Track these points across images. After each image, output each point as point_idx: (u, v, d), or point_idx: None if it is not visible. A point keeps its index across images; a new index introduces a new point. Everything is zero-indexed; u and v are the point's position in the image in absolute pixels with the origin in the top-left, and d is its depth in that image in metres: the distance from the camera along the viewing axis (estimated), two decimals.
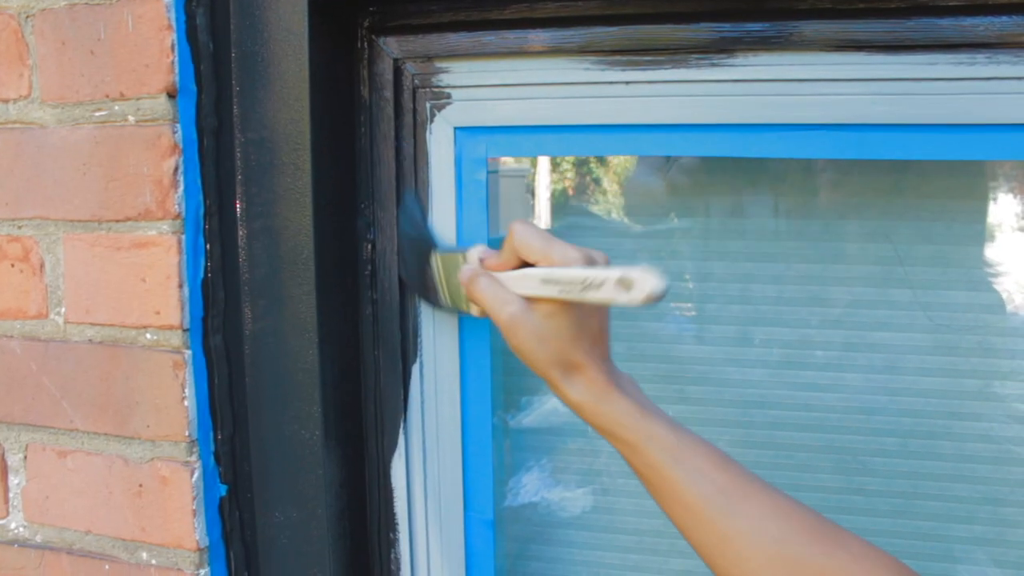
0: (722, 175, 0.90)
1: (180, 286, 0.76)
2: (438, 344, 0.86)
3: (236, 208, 0.79)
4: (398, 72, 0.82)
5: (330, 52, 0.78)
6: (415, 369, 0.86)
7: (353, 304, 0.85)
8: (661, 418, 0.62)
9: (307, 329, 0.79)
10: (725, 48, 0.76)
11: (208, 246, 0.77)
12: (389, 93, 0.82)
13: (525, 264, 0.66)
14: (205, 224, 0.77)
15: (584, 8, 0.75)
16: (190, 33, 0.74)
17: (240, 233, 0.79)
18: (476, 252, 0.71)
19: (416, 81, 0.82)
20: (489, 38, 0.79)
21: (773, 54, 0.76)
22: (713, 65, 0.76)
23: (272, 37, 0.75)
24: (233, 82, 0.77)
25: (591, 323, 0.64)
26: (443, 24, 0.79)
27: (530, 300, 0.64)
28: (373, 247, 0.84)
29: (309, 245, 0.77)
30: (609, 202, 0.91)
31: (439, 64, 0.81)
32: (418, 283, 0.79)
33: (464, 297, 0.73)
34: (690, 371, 0.92)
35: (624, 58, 0.78)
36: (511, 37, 0.79)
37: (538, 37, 0.78)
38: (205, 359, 0.78)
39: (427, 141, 0.83)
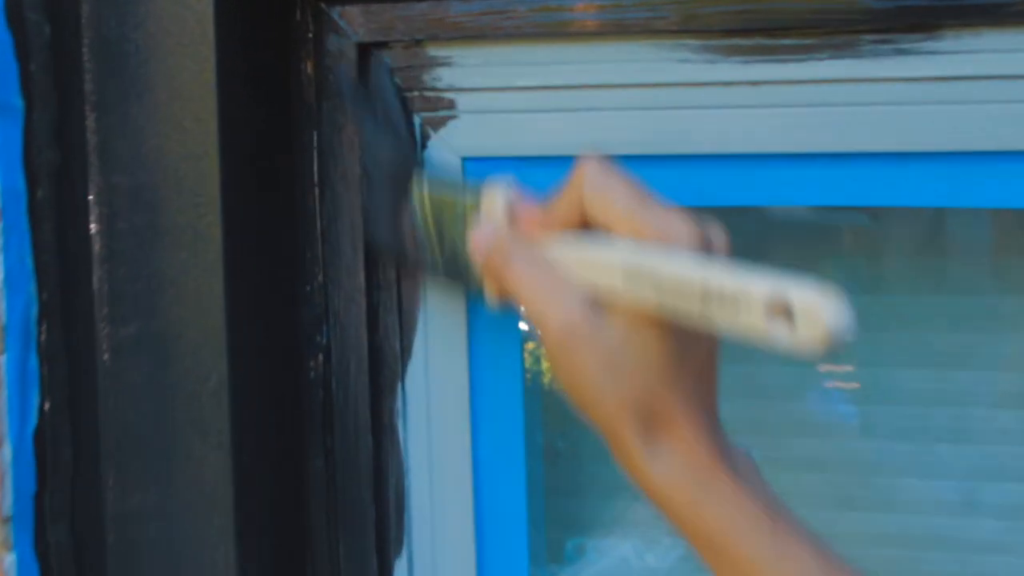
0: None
1: None
2: (441, 509, 0.79)
3: (93, 304, 0.72)
4: (365, 65, 0.75)
5: (250, 34, 0.71)
6: (400, 564, 0.79)
7: (294, 458, 0.78)
8: (800, 536, 0.58)
9: (216, 508, 0.71)
10: (922, 24, 0.68)
11: (45, 371, 0.70)
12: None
13: (591, 229, 0.61)
14: (40, 334, 0.70)
15: None
16: (10, 11, 0.67)
17: (101, 347, 0.72)
18: (501, 195, 0.65)
19: (397, 80, 0.75)
20: (519, 5, 0.72)
21: (1007, 32, 0.68)
22: (901, 52, 0.68)
23: (153, 12, 0.68)
24: (87, 89, 0.69)
25: (697, 351, 0.60)
26: None
27: (599, 297, 0.59)
28: (326, 359, 0.77)
29: (220, 365, 0.70)
30: None
31: (434, 52, 0.74)
32: (385, 236, 0.74)
33: (469, 269, 0.68)
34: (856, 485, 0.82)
35: (748, 42, 0.70)
36: (558, 10, 0.72)
37: (603, 8, 0.71)
38: (39, 565, 0.71)
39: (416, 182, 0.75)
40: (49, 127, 0.69)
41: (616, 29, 0.70)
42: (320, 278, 0.77)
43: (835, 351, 0.48)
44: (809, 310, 0.48)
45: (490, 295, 0.68)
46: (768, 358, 0.74)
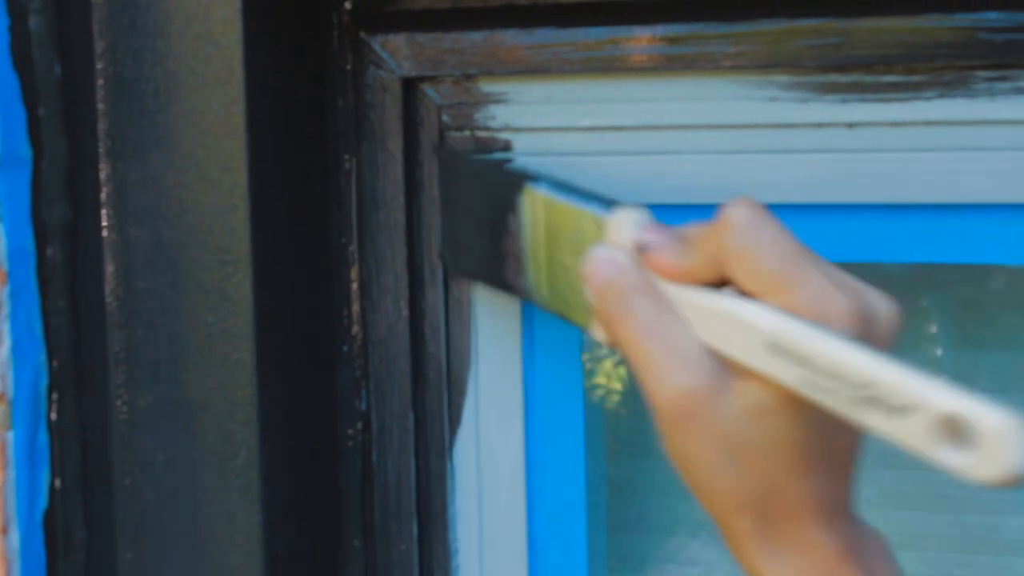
0: None
1: (3, 529, 0.69)
2: None
3: (108, 372, 0.71)
4: (411, 101, 0.75)
5: (282, 70, 0.71)
6: None
7: (329, 539, 0.78)
8: None
9: None
10: None
11: (56, 447, 0.71)
12: (395, 142, 0.75)
13: (728, 285, 0.57)
14: (50, 407, 0.70)
15: None
16: (16, 49, 0.68)
17: (117, 419, 0.71)
18: (630, 222, 0.62)
19: (446, 118, 0.75)
20: (584, 36, 0.71)
21: None
22: (1021, 92, 0.67)
23: (175, 48, 0.68)
24: (101, 135, 0.69)
25: (836, 441, 0.57)
26: (494, 9, 0.71)
27: (729, 364, 0.56)
28: (365, 427, 0.77)
29: (250, 440, 0.69)
30: None
31: (488, 87, 0.74)
32: (471, 251, 0.72)
33: (578, 302, 0.65)
34: None
35: (845, 79, 0.69)
36: (628, 41, 0.71)
37: (678, 40, 0.70)
38: None
39: None
40: (59, 178, 0.69)
41: (694, 63, 0.69)
42: (359, 338, 0.76)
43: (1013, 487, 0.46)
44: (993, 438, 0.46)
45: (598, 335, 0.64)
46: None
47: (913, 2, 0.66)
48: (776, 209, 0.70)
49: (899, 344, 0.79)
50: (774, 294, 0.54)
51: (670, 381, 0.56)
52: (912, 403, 0.48)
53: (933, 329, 0.89)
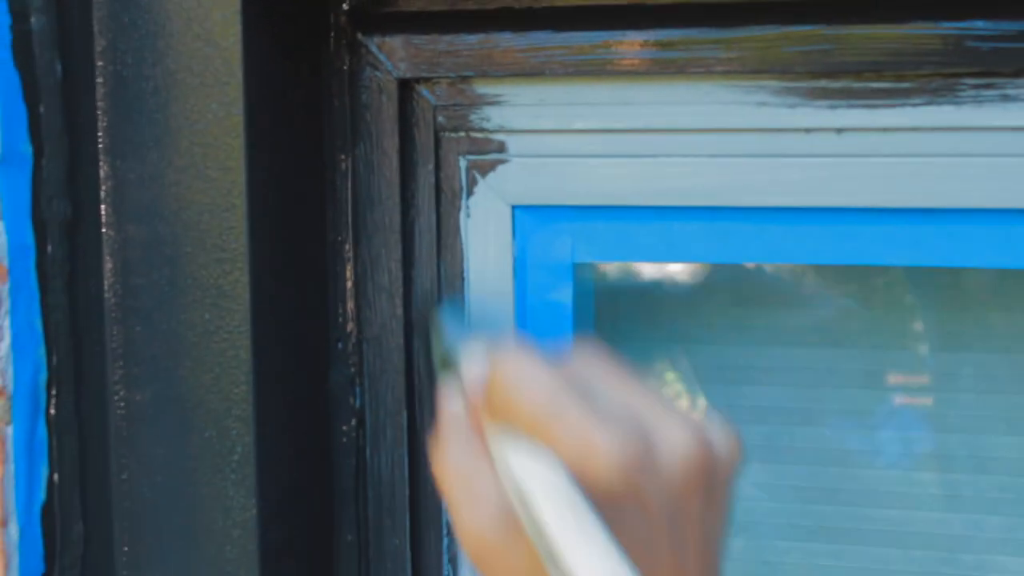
0: None
1: (2, 522, 0.68)
2: None
3: (107, 367, 0.70)
4: (407, 102, 0.74)
5: (280, 71, 0.70)
6: None
7: (323, 533, 0.78)
8: None
9: None
10: None
11: (54, 442, 0.70)
12: (391, 141, 0.74)
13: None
14: (49, 402, 0.70)
15: None
16: (18, 47, 0.67)
17: (115, 414, 0.70)
18: (475, 365, 0.59)
19: (441, 119, 0.74)
20: (579, 40, 0.71)
21: None
22: (1006, 99, 0.67)
23: (174, 48, 0.67)
24: (101, 135, 0.68)
25: (654, 550, 0.54)
26: (489, 12, 0.71)
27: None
28: (359, 423, 0.76)
29: (246, 436, 0.68)
30: None
31: (483, 89, 0.74)
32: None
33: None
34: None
35: (834, 85, 0.69)
36: (621, 45, 0.71)
37: (670, 45, 0.70)
38: None
39: (460, 229, 0.76)
40: (59, 175, 0.69)
41: (686, 68, 0.69)
42: (354, 335, 0.76)
43: None
44: None
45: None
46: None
47: (902, 10, 0.66)
48: (766, 212, 0.72)
49: (885, 345, 0.80)
50: (537, 433, 0.53)
51: (465, 525, 0.56)
52: (566, 570, 0.49)
53: (919, 328, 0.89)
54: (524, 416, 0.54)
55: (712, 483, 0.55)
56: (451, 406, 0.60)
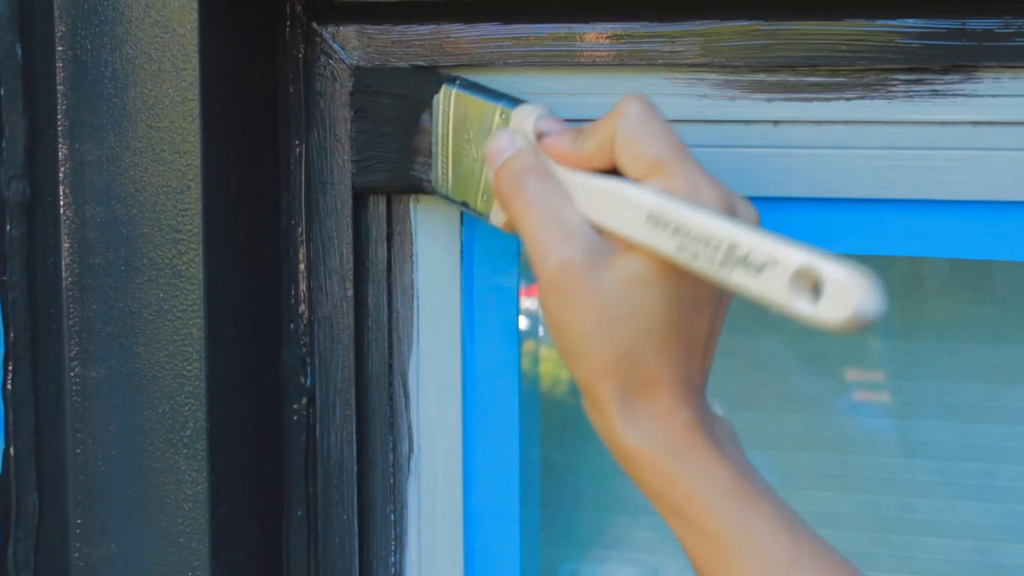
0: None
1: None
2: (431, 568, 0.78)
3: (63, 344, 0.70)
4: (360, 89, 0.73)
5: (236, 58, 0.70)
6: None
7: (274, 508, 0.77)
8: (772, 509, 0.58)
9: (190, 561, 0.70)
10: (960, 65, 0.67)
11: (10, 416, 0.68)
12: (344, 128, 0.73)
13: (618, 173, 0.59)
14: (5, 377, 0.68)
15: None
16: None
17: (70, 389, 0.70)
18: (532, 114, 0.63)
19: None
20: (526, 32, 0.71)
21: None
22: (935, 94, 0.67)
23: (132, 34, 0.67)
24: (60, 118, 0.68)
25: (699, 319, 0.59)
26: (440, 4, 0.70)
27: (611, 239, 0.58)
28: (310, 402, 0.76)
29: (198, 412, 0.69)
30: None
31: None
32: (383, 159, 0.72)
33: (482, 187, 0.66)
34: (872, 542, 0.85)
35: (771, 79, 0.69)
36: (568, 38, 0.70)
37: (615, 38, 0.69)
38: None
39: (410, 213, 0.75)
40: (19, 157, 0.68)
41: (630, 60, 0.69)
42: (305, 316, 0.76)
43: (857, 331, 0.48)
44: (840, 286, 0.48)
45: (496, 218, 0.66)
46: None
47: (837, 8, 0.66)
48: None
49: (822, 334, 0.80)
50: (656, 178, 0.56)
51: (552, 253, 0.58)
52: (771, 260, 0.50)
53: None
54: (646, 161, 0.57)
55: None
56: (515, 146, 0.62)
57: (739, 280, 0.51)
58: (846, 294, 0.48)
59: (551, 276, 0.58)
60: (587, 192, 0.59)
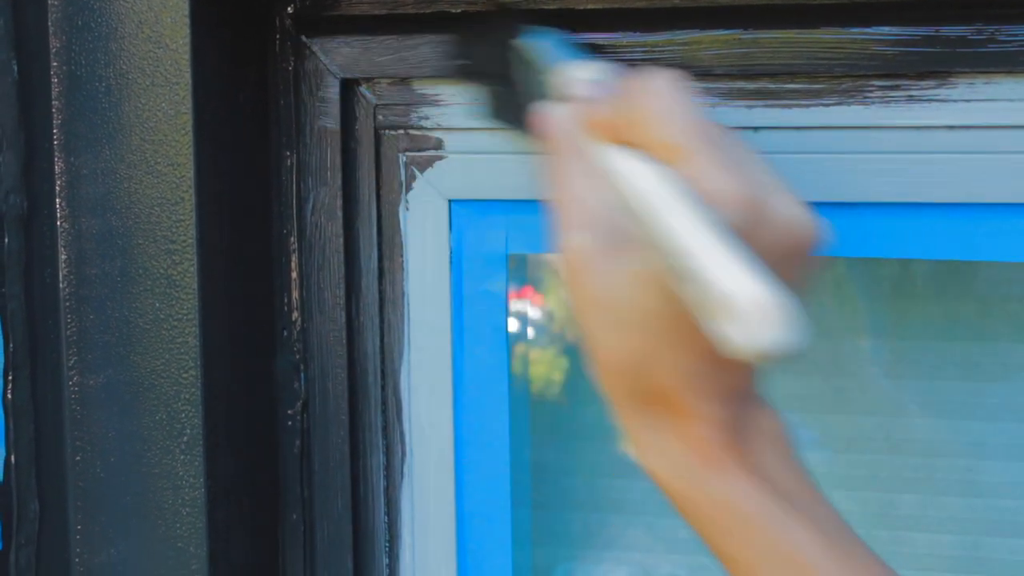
0: None
1: None
2: (423, 565, 0.79)
3: (62, 354, 0.70)
4: (348, 101, 0.75)
5: (227, 72, 0.71)
6: None
7: (269, 511, 0.77)
8: (811, 530, 0.53)
9: (188, 565, 0.70)
10: (935, 71, 0.67)
11: (11, 425, 0.68)
12: (333, 139, 0.75)
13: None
14: (5, 387, 0.68)
15: None
16: None
17: (69, 398, 0.70)
18: (586, 76, 0.59)
19: (381, 117, 0.74)
20: None
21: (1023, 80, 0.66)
22: (911, 99, 0.68)
23: (126, 50, 0.67)
24: (56, 132, 0.68)
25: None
26: (425, 17, 0.71)
27: (630, 231, 0.54)
28: (304, 407, 0.76)
29: (194, 419, 0.69)
30: None
31: (422, 89, 0.74)
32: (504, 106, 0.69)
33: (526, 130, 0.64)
34: None
35: (751, 86, 0.69)
36: None
37: (596, 48, 0.70)
38: None
39: (400, 223, 0.76)
40: (16, 171, 0.67)
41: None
42: (298, 323, 0.76)
43: (769, 363, 0.45)
44: (752, 314, 0.45)
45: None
46: None
47: (814, 16, 0.66)
48: None
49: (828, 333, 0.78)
50: (671, 163, 0.52)
51: (570, 238, 0.55)
52: (703, 278, 0.47)
53: (860, 319, 0.90)
54: (659, 143, 0.53)
55: (808, 259, 0.54)
56: (559, 118, 0.59)
57: (685, 292, 0.49)
58: (757, 325, 0.45)
59: (566, 261, 0.55)
60: (617, 169, 0.55)
